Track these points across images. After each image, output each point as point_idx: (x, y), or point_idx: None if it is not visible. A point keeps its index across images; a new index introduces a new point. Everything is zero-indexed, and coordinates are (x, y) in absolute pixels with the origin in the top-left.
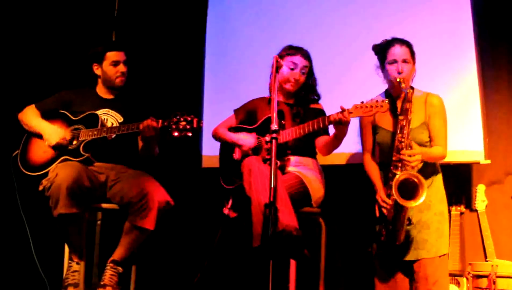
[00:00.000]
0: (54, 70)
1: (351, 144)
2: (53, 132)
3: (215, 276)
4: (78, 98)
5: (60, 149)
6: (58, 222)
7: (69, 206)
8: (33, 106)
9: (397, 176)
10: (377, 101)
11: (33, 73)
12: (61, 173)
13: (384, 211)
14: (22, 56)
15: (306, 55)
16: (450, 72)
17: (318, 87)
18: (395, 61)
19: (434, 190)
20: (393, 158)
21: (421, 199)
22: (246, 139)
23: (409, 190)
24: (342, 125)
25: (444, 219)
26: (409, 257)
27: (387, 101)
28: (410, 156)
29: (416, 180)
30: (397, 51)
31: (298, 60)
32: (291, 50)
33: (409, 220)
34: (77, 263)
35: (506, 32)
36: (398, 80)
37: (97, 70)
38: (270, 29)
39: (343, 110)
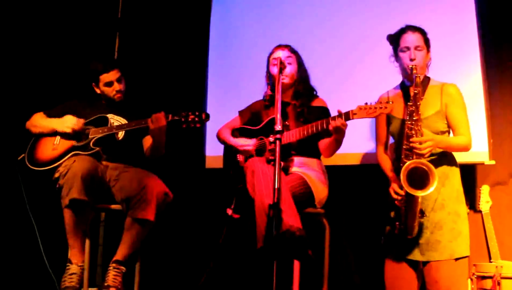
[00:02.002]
0: (59, 72)
1: (355, 146)
2: (66, 121)
3: (220, 277)
4: (84, 107)
5: (77, 137)
6: (69, 208)
7: (82, 192)
8: (41, 113)
9: (406, 164)
10: (381, 102)
11: (38, 76)
12: (79, 160)
13: (397, 203)
14: (27, 61)
15: (285, 46)
16: (454, 73)
17: (322, 86)
18: (407, 48)
19: (449, 188)
20: (404, 147)
21: (430, 189)
22: (246, 143)
23: (420, 179)
24: (340, 131)
25: (460, 219)
26: (420, 258)
27: (391, 102)
28: (420, 143)
29: (425, 168)
30: (410, 38)
31: (278, 54)
32: (272, 50)
33: (422, 212)
34: (77, 265)
35: (510, 33)
36: (410, 66)
37: (97, 90)
38: (273, 29)
39: (340, 114)
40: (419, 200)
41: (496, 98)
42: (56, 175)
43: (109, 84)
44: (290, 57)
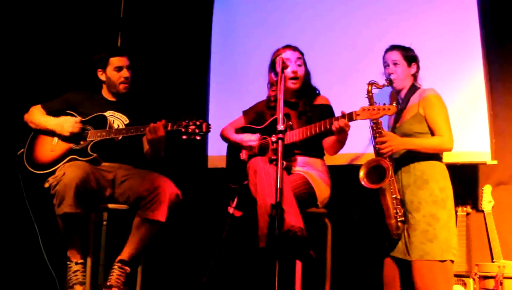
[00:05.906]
0: (60, 71)
1: (356, 145)
2: (64, 124)
3: (221, 277)
4: (84, 100)
5: (74, 140)
6: (61, 220)
7: (74, 206)
8: (39, 106)
9: (365, 162)
10: (384, 104)
11: (38, 74)
12: (69, 173)
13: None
14: (27, 57)
15: (294, 48)
16: (456, 72)
17: (325, 86)
18: (387, 64)
19: (427, 192)
20: (374, 148)
21: (385, 182)
22: (250, 138)
23: (381, 175)
24: (343, 132)
25: (436, 222)
26: (400, 257)
27: (394, 104)
28: (381, 143)
29: (381, 163)
30: (388, 56)
31: (289, 54)
32: (278, 50)
33: (404, 213)
34: (76, 263)
35: None
36: (388, 78)
37: (102, 76)
38: (275, 30)
39: (343, 115)
40: (388, 200)
41: (498, 98)
42: (46, 185)
43: (119, 68)
44: (300, 59)
